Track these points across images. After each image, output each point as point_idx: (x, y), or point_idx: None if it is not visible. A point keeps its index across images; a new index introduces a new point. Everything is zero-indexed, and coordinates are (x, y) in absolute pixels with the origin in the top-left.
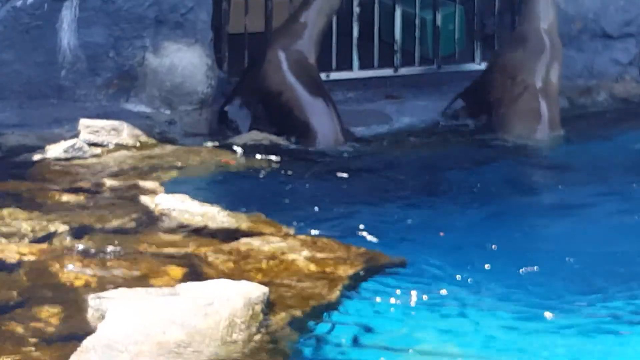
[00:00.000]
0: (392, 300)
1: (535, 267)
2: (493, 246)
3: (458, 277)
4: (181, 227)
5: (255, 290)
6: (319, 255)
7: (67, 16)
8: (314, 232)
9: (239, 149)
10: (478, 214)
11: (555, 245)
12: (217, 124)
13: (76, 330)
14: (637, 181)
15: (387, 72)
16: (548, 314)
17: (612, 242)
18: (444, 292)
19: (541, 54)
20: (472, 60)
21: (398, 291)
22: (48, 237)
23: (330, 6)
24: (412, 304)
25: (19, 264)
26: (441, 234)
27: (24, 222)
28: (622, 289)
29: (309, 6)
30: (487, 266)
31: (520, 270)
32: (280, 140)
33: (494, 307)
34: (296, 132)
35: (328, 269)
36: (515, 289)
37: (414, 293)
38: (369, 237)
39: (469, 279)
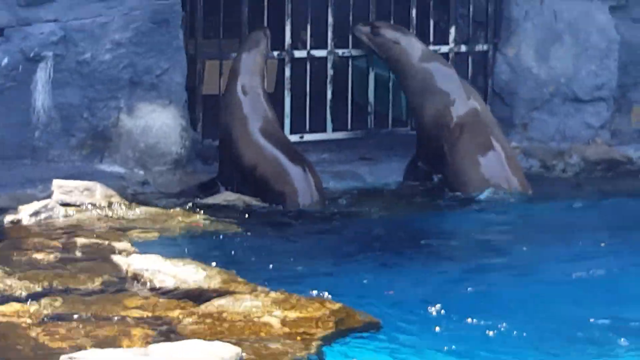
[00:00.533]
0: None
1: (498, 327)
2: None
3: (424, 339)
4: (153, 289)
5: (229, 351)
6: (292, 314)
7: (42, 77)
8: (286, 289)
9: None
10: (443, 274)
11: (517, 306)
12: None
13: None
14: (605, 241)
15: (360, 133)
16: None
17: (571, 304)
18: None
19: (488, 117)
20: None
21: (370, 350)
22: (18, 299)
23: (261, 53)
24: None
25: None
26: (391, 292)
27: None
28: (578, 355)
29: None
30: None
31: (488, 332)
32: (253, 201)
33: None
34: (275, 199)
35: (300, 329)
36: (478, 350)
37: (384, 351)
38: (341, 295)
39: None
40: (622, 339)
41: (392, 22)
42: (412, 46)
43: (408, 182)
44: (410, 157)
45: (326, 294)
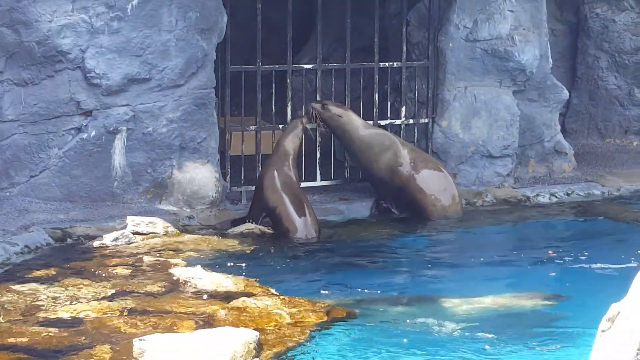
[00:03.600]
0: (344, 341)
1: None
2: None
3: (387, 322)
4: (197, 291)
5: (250, 335)
6: (294, 310)
7: (118, 144)
8: (290, 292)
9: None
10: (399, 278)
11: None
12: (230, 223)
13: None
14: (518, 252)
15: (340, 181)
16: None
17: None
18: (378, 337)
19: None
20: None
21: (349, 335)
22: (103, 299)
23: (297, 134)
24: (359, 344)
25: (81, 318)
26: (374, 291)
27: (86, 288)
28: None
29: (285, 138)
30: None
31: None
32: (267, 230)
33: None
34: (284, 234)
35: (300, 320)
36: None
37: (360, 333)
38: (330, 295)
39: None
40: None
41: (361, 103)
42: (352, 118)
43: (375, 214)
44: (374, 199)
45: (319, 294)
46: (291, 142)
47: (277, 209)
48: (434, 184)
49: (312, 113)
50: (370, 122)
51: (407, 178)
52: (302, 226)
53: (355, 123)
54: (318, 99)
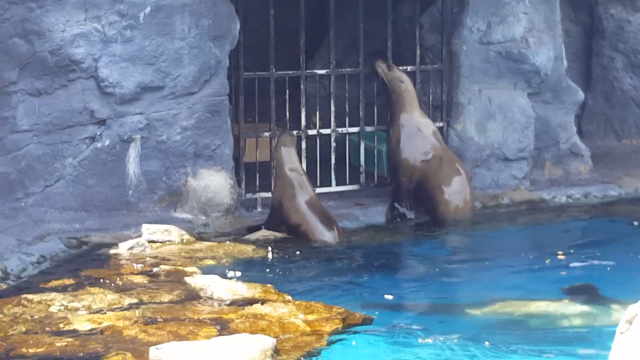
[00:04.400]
0: (360, 347)
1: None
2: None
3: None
4: (213, 299)
5: (267, 342)
6: (310, 316)
7: (133, 153)
8: (306, 298)
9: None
10: (415, 284)
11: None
12: (245, 230)
13: None
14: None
15: (355, 187)
16: None
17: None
18: (394, 343)
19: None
20: None
21: (366, 341)
22: (119, 308)
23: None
24: (375, 350)
25: (97, 326)
26: (389, 296)
27: (102, 297)
28: None
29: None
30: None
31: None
32: (283, 236)
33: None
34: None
35: (316, 326)
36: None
37: (376, 340)
38: (347, 301)
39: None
40: None
41: (375, 108)
42: (410, 89)
43: (390, 220)
44: (388, 204)
45: (336, 299)
46: (288, 152)
47: (301, 226)
48: (453, 185)
49: (378, 71)
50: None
51: (430, 173)
52: (331, 239)
53: (412, 95)
54: (332, 105)
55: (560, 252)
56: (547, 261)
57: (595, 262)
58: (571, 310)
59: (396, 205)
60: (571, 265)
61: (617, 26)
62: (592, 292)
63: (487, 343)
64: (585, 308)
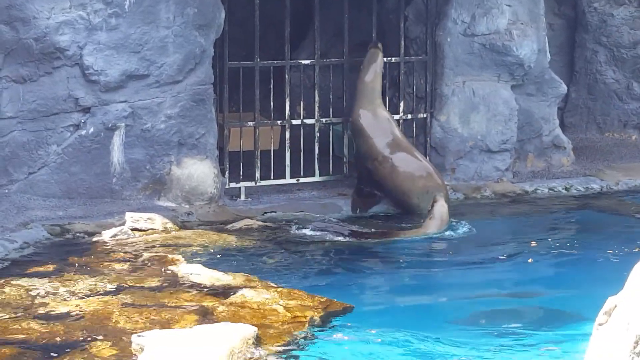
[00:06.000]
0: (341, 335)
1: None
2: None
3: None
4: (196, 286)
5: (248, 330)
6: (292, 303)
7: (117, 141)
8: (287, 286)
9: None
10: (394, 274)
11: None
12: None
13: None
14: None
15: (339, 177)
16: None
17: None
18: (374, 331)
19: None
20: None
21: (346, 329)
22: (101, 294)
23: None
24: (355, 337)
25: (79, 313)
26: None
27: (85, 284)
28: None
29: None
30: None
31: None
32: (266, 224)
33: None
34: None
35: (298, 313)
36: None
37: (356, 328)
38: (329, 290)
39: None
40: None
41: None
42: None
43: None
44: (354, 188)
45: (317, 287)
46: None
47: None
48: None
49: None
50: None
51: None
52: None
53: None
54: (316, 95)
55: (533, 242)
56: (521, 255)
57: (572, 253)
58: (550, 302)
59: (362, 187)
60: (546, 259)
61: (601, 20)
62: (571, 284)
63: (466, 331)
64: (565, 299)
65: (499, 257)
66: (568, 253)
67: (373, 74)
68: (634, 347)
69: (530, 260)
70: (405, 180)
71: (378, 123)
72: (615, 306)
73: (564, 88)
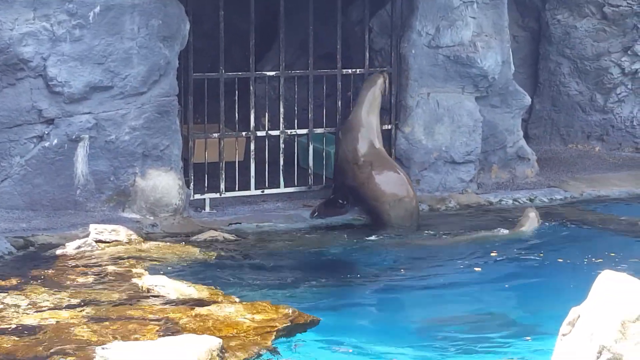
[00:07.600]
0: (307, 348)
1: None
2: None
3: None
4: (160, 299)
5: (213, 341)
6: (257, 316)
7: (81, 152)
8: (252, 299)
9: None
10: (359, 285)
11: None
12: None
13: None
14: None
15: (304, 188)
16: None
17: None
18: (340, 344)
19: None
20: None
21: (312, 342)
22: (65, 307)
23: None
24: (321, 351)
25: (43, 326)
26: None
27: (48, 296)
28: None
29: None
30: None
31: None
32: (230, 236)
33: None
34: None
35: (264, 326)
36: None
37: (322, 342)
38: (293, 302)
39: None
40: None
41: (324, 110)
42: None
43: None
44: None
45: (283, 299)
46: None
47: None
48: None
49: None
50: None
51: (366, 177)
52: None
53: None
54: (281, 106)
55: (493, 251)
56: (478, 268)
57: (534, 264)
58: (513, 314)
59: (335, 198)
60: (508, 270)
61: (564, 32)
62: (533, 295)
63: (430, 339)
64: (528, 310)
65: (462, 267)
66: (530, 264)
67: (376, 94)
68: (598, 357)
69: (477, 269)
70: (379, 185)
71: (368, 130)
72: (579, 316)
73: (528, 100)
